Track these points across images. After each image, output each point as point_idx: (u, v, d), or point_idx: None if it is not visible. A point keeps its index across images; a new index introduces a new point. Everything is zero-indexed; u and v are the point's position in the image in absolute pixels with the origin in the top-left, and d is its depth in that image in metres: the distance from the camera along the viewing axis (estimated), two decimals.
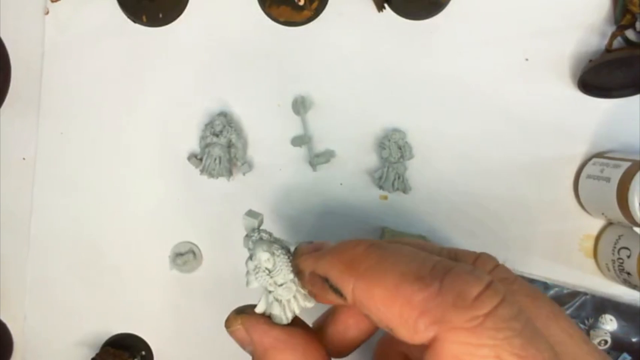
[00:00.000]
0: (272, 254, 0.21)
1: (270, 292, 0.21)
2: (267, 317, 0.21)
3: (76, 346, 0.46)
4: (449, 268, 0.16)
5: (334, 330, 0.22)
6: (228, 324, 0.21)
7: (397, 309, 0.16)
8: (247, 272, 0.22)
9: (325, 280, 0.18)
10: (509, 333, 0.14)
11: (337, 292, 0.18)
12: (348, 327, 0.22)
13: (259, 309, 0.21)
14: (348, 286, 0.17)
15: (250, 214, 0.24)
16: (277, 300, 0.21)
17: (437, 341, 0.15)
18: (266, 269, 0.21)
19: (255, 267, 0.21)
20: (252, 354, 0.21)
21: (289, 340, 0.20)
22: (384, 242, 0.18)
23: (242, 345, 0.21)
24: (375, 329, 0.22)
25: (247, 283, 0.22)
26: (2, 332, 0.46)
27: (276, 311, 0.21)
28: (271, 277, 0.21)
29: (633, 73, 0.36)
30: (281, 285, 0.21)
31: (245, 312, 0.21)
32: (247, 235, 0.23)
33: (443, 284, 0.15)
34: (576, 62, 0.39)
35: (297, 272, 0.21)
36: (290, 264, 0.21)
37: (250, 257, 0.22)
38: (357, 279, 0.17)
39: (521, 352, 0.14)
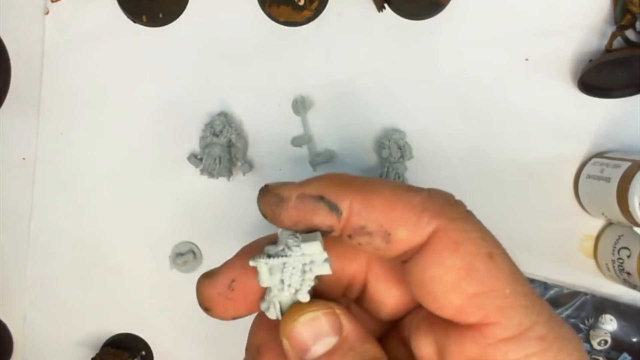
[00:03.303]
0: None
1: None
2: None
3: (76, 346, 0.46)
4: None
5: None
6: (315, 305, 0.19)
7: (399, 212, 0.17)
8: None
9: (320, 198, 0.18)
10: (483, 225, 0.18)
11: (333, 207, 0.18)
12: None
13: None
14: (346, 200, 0.18)
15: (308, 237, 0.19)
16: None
17: (438, 231, 0.17)
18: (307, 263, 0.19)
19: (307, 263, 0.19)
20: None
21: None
22: None
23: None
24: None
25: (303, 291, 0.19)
26: (2, 332, 0.46)
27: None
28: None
29: (633, 73, 0.36)
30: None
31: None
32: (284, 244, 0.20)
33: (430, 192, 0.18)
34: (576, 62, 0.39)
35: (278, 201, 0.19)
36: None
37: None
38: (354, 193, 0.18)
39: (495, 240, 0.18)
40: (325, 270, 0.19)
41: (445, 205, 0.18)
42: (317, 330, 0.18)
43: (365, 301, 0.21)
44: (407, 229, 0.17)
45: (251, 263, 0.19)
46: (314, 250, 0.18)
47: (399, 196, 0.18)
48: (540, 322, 0.17)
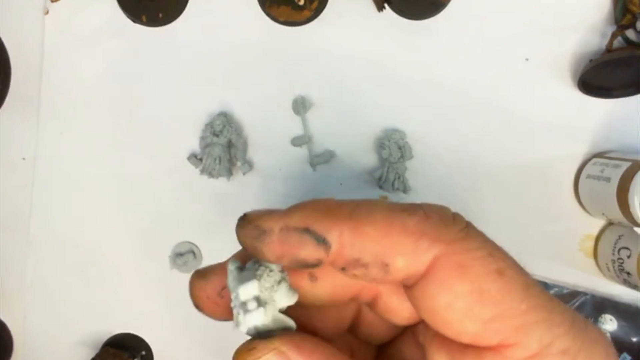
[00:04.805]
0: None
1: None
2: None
3: (76, 346, 0.46)
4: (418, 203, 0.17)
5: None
6: (253, 353, 0.17)
7: (395, 238, 0.16)
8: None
9: (305, 230, 0.17)
10: (486, 236, 0.17)
11: (321, 240, 0.17)
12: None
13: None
14: (335, 230, 0.16)
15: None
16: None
17: (440, 258, 0.16)
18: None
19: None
20: None
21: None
22: None
23: None
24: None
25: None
26: (2, 332, 0.46)
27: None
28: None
29: (633, 73, 0.36)
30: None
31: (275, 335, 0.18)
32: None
33: (425, 210, 0.17)
34: (576, 62, 0.39)
35: (259, 234, 0.18)
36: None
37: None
38: (343, 222, 0.17)
39: (501, 251, 0.16)
40: (259, 320, 0.17)
41: (443, 226, 0.16)
42: None
43: (378, 308, 0.20)
44: (405, 258, 0.16)
45: (227, 265, 0.18)
46: (246, 296, 0.17)
47: (392, 221, 0.16)
48: (561, 333, 0.15)
